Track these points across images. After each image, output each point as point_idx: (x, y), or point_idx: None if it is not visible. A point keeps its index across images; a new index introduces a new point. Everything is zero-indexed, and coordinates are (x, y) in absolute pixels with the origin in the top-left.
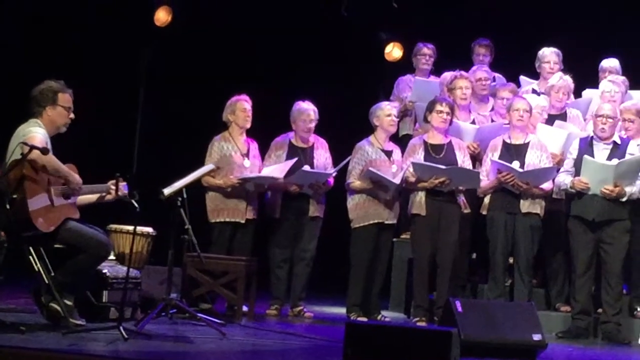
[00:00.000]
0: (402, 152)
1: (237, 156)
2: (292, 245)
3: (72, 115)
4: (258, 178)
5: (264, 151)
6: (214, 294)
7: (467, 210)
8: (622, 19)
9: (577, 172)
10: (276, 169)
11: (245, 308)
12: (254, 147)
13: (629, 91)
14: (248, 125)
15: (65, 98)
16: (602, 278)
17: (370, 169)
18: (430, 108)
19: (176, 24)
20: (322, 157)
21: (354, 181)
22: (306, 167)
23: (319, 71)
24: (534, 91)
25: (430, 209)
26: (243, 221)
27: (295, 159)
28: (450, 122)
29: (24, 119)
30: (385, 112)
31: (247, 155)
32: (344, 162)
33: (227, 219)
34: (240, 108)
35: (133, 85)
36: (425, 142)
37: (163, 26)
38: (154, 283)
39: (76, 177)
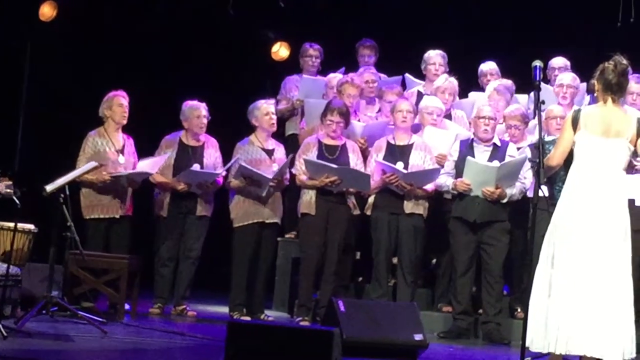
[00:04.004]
0: (288, 151)
1: (111, 152)
2: (178, 243)
3: None
4: (131, 174)
5: (141, 148)
6: (96, 292)
7: (357, 212)
8: (505, 22)
9: (457, 174)
10: (149, 164)
11: (127, 306)
12: (130, 143)
13: (515, 95)
14: (124, 121)
15: None
16: (483, 279)
17: (242, 163)
18: (324, 113)
19: (61, 18)
20: (212, 156)
21: (232, 180)
22: (195, 167)
23: (204, 69)
24: (419, 93)
25: (320, 209)
26: (118, 216)
27: (167, 154)
28: (346, 126)
29: None
30: (263, 111)
31: (122, 151)
32: (232, 161)
33: (101, 215)
34: (117, 104)
35: (16, 81)
36: (320, 142)
37: (48, 21)
38: (35, 280)
39: None
